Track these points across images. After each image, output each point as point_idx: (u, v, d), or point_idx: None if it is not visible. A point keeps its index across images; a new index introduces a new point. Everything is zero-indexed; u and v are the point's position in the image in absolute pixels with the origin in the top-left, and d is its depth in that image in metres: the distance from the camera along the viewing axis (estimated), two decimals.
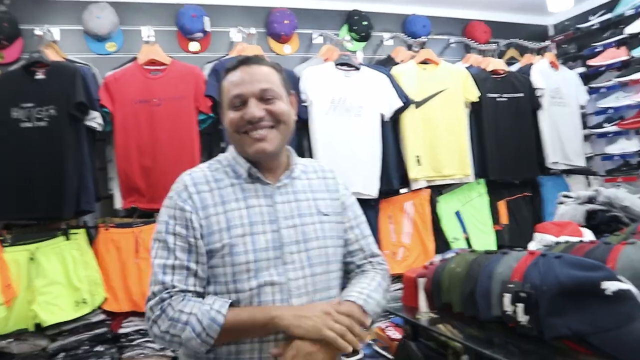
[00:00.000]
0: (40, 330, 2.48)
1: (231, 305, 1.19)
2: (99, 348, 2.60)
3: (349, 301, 1.26)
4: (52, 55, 2.73)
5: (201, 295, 1.23)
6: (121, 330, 2.67)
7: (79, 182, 2.63)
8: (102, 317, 2.63)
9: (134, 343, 2.66)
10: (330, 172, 1.48)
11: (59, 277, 2.54)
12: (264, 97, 1.28)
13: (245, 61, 1.31)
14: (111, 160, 2.86)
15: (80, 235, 2.66)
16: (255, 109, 1.26)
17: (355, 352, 2.80)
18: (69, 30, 3.04)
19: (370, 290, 1.31)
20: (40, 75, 2.63)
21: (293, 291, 1.24)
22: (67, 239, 2.60)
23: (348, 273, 1.43)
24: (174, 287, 1.19)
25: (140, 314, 2.70)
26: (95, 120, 2.71)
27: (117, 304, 2.67)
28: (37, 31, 2.79)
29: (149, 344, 2.66)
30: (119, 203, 2.83)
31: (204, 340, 1.14)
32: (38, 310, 2.43)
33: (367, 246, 1.44)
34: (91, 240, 2.77)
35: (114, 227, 2.77)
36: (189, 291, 1.20)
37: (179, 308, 1.16)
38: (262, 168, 1.31)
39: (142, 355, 2.64)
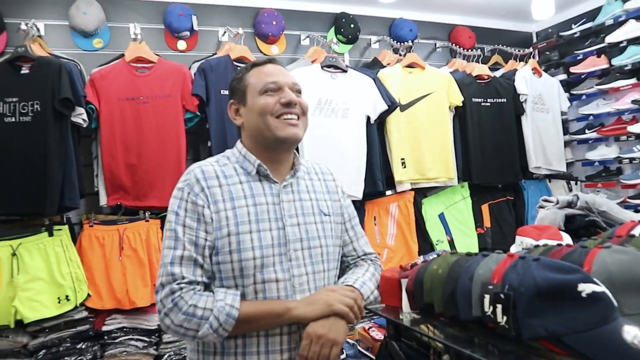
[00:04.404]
0: (21, 326, 2.46)
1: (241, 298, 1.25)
2: (81, 345, 2.59)
3: (347, 285, 1.35)
4: (37, 50, 2.70)
5: (207, 286, 1.26)
6: (104, 328, 2.66)
7: (63, 178, 2.60)
8: (84, 314, 2.62)
9: (116, 341, 2.65)
10: (330, 174, 1.55)
11: (42, 274, 2.52)
12: (294, 89, 1.39)
13: (272, 60, 1.44)
14: (97, 157, 2.84)
15: (63, 232, 2.64)
16: (292, 94, 1.36)
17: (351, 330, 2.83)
18: (54, 25, 3.02)
19: (365, 279, 1.41)
20: (25, 70, 2.60)
21: (296, 287, 1.31)
22: (51, 235, 2.58)
23: (342, 270, 1.50)
24: (183, 277, 1.21)
25: (124, 312, 2.69)
26: (80, 116, 2.69)
27: (101, 301, 2.66)
28: (23, 25, 2.76)
29: (132, 342, 2.65)
30: (103, 200, 2.81)
31: (220, 335, 1.20)
32: (19, 307, 2.41)
33: (359, 247, 1.53)
34: (75, 236, 2.75)
35: (99, 223, 2.76)
36: (197, 282, 1.23)
37: (192, 302, 1.19)
38: (270, 165, 1.36)
39: (125, 352, 2.63)
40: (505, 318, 1.00)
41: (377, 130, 3.33)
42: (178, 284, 1.20)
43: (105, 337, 2.67)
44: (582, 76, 3.97)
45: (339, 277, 1.49)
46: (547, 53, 4.31)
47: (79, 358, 2.55)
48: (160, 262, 1.25)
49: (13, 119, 2.54)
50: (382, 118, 3.32)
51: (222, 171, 1.34)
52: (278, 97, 1.35)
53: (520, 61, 4.08)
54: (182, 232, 1.24)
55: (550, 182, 4.10)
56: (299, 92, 1.40)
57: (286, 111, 1.34)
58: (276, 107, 1.34)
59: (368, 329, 2.92)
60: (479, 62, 3.88)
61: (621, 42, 3.63)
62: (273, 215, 1.32)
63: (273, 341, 1.27)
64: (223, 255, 1.26)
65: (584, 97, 4.01)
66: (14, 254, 2.48)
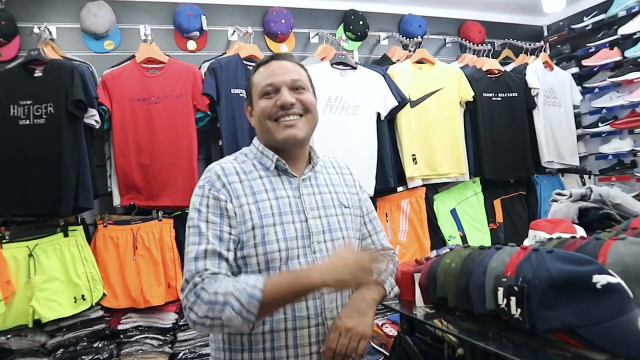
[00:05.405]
0: (39, 326, 2.50)
1: None
2: (98, 344, 2.62)
3: None
4: (50, 53, 2.73)
5: None
6: (120, 327, 2.69)
7: (77, 179, 2.63)
8: (100, 313, 2.65)
9: (132, 339, 2.68)
10: (347, 168, 1.56)
11: (58, 274, 2.55)
12: (294, 87, 1.36)
13: (275, 56, 1.41)
14: (110, 158, 2.87)
15: (78, 232, 2.67)
16: (287, 96, 1.33)
17: None
18: (66, 28, 3.05)
19: (386, 274, 1.43)
20: (38, 73, 2.63)
21: None
22: (66, 235, 2.61)
23: None
24: (206, 270, 1.20)
25: (139, 311, 2.71)
26: (93, 117, 2.71)
27: (116, 300, 2.68)
28: (35, 29, 2.79)
29: (147, 341, 2.68)
30: (117, 200, 2.84)
31: (245, 318, 1.15)
32: (37, 307, 2.45)
33: (378, 241, 1.53)
34: (89, 237, 2.78)
35: (112, 224, 2.78)
36: (221, 274, 1.21)
37: (213, 290, 1.16)
38: (287, 161, 1.37)
39: (141, 351, 2.66)
40: (519, 311, 1.00)
41: (387, 127, 3.32)
42: (200, 276, 1.19)
43: (121, 336, 2.70)
44: (595, 69, 3.93)
45: None
46: (559, 46, 4.26)
47: (96, 357, 2.58)
48: (185, 260, 1.25)
49: (27, 122, 2.57)
50: (393, 114, 3.31)
51: (242, 168, 1.35)
52: (275, 100, 1.34)
53: (531, 55, 4.05)
54: (206, 227, 1.24)
55: (563, 176, 4.07)
56: (301, 88, 1.38)
57: (283, 113, 1.33)
58: (273, 110, 1.34)
59: (381, 326, 2.92)
60: (489, 57, 3.85)
61: (634, 33, 3.58)
62: (295, 208, 1.33)
63: (301, 334, 1.26)
64: (248, 249, 1.26)
65: (596, 90, 3.97)
66: (30, 255, 2.51)
